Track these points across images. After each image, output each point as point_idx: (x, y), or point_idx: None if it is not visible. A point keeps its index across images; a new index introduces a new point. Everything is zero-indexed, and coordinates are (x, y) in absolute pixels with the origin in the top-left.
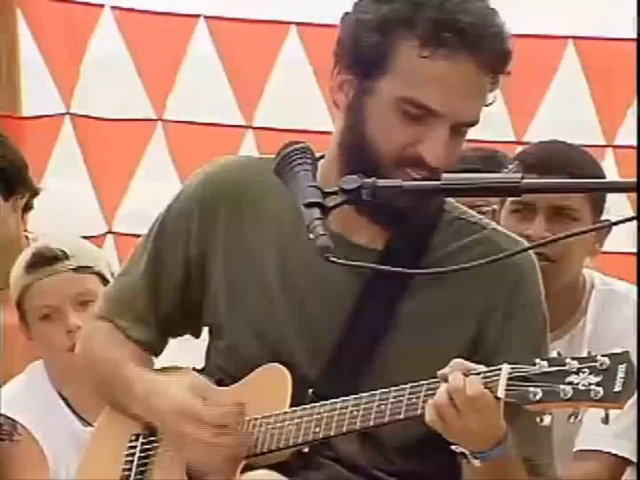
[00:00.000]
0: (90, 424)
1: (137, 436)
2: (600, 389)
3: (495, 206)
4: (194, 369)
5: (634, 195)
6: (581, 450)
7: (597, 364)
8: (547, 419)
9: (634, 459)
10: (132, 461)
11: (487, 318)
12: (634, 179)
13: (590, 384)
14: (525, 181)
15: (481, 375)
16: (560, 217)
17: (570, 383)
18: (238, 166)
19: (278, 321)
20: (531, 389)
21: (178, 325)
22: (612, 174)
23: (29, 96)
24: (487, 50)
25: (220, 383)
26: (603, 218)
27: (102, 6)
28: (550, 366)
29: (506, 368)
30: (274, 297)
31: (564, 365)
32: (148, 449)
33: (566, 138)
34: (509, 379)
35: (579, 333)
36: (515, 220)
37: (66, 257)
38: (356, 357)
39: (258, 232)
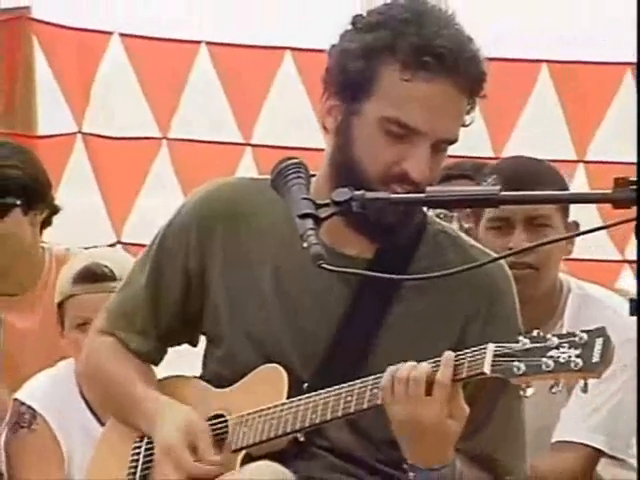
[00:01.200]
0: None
1: (141, 438)
2: (579, 360)
3: (467, 225)
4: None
5: (604, 206)
6: (559, 441)
7: (576, 339)
8: (529, 391)
9: (608, 451)
10: (137, 460)
11: (468, 325)
12: (605, 191)
13: (570, 357)
14: (503, 193)
15: (468, 354)
16: (535, 226)
17: (551, 357)
18: (233, 186)
19: (273, 329)
20: (515, 363)
21: (177, 335)
22: (584, 186)
23: (43, 116)
24: (464, 73)
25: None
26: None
27: (111, 33)
28: (532, 343)
29: (491, 346)
30: (269, 306)
31: (545, 341)
32: (151, 449)
33: (541, 154)
34: (494, 356)
35: (556, 332)
36: (493, 236)
37: (113, 278)
38: (347, 360)
39: (253, 246)
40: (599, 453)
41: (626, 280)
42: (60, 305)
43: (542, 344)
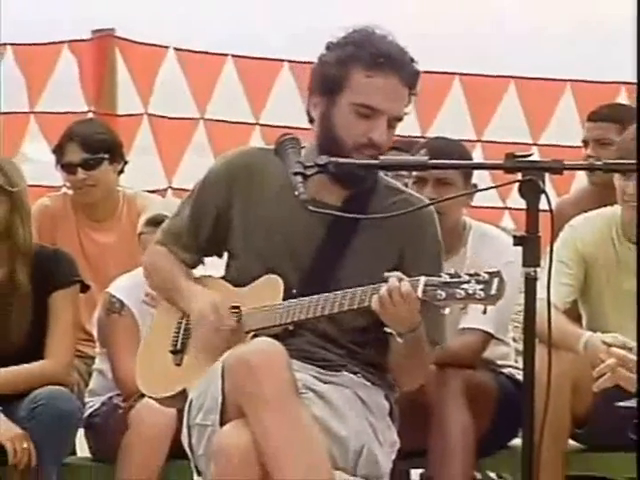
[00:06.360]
0: None
1: (182, 316)
2: (482, 292)
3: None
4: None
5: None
6: (463, 328)
7: (480, 277)
8: (447, 310)
9: (495, 333)
10: (179, 330)
11: (404, 250)
12: (498, 161)
13: (475, 289)
14: (430, 161)
15: (409, 281)
16: (441, 185)
17: (463, 289)
18: (248, 152)
19: (274, 250)
20: (438, 292)
21: (210, 249)
22: (480, 157)
23: (121, 102)
24: (406, 71)
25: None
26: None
27: (167, 47)
28: (451, 278)
29: (424, 278)
30: (272, 234)
31: (459, 277)
32: (188, 328)
33: (452, 134)
34: (425, 285)
35: (462, 256)
36: (416, 188)
37: None
38: (323, 273)
39: (260, 193)
40: (491, 336)
41: (506, 222)
42: (140, 235)
43: (457, 279)
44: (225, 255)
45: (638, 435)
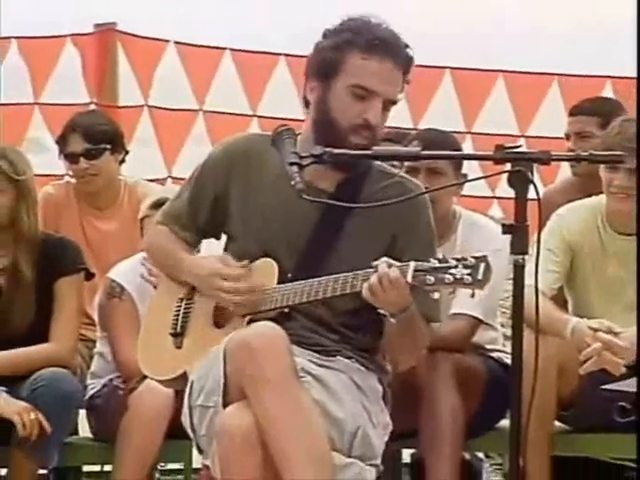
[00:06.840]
0: None
1: (181, 299)
2: (469, 277)
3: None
4: None
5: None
6: (453, 313)
7: (467, 262)
8: (436, 295)
9: (483, 319)
10: (178, 313)
11: (397, 235)
12: (488, 152)
13: (463, 274)
14: (422, 152)
15: (398, 267)
16: (432, 173)
17: (451, 274)
18: (247, 139)
19: (271, 234)
20: (427, 276)
21: (207, 232)
22: (469, 149)
23: (122, 94)
24: (401, 55)
25: None
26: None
27: (168, 41)
28: (439, 263)
29: (413, 263)
30: (269, 219)
31: (447, 262)
32: (189, 306)
33: (442, 126)
34: (414, 270)
35: (452, 243)
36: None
37: None
38: (318, 257)
39: (258, 180)
40: (478, 321)
41: (494, 211)
42: (142, 220)
43: (445, 264)
44: (223, 238)
45: (638, 418)
